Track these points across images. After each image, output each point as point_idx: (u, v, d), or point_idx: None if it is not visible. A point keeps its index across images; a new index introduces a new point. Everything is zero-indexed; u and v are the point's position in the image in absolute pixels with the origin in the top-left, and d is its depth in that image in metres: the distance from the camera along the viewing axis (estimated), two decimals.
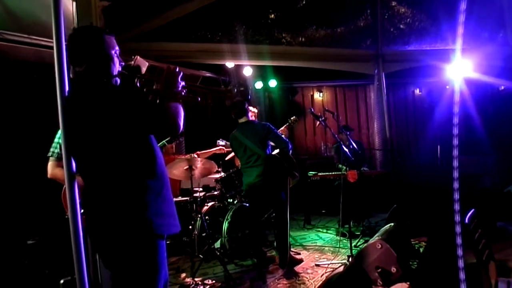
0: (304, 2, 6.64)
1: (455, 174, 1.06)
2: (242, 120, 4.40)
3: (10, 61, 4.18)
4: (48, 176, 3.11)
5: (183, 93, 1.97)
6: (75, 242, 1.94)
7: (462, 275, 1.06)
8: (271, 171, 4.24)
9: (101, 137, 1.77)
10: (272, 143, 4.43)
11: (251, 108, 4.69)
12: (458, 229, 1.07)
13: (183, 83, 1.96)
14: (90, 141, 1.80)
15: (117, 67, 1.94)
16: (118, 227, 1.76)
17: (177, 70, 1.94)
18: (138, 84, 2.00)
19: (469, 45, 6.48)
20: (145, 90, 2.00)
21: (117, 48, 1.96)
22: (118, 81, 1.96)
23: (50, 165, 3.10)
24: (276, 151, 4.46)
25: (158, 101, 1.90)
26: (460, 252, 1.08)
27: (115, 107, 1.74)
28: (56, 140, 3.12)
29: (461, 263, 1.07)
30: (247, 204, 4.76)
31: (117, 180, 1.79)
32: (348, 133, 5.63)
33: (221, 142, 5.04)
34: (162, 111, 1.79)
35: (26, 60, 4.25)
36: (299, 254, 4.73)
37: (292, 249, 4.59)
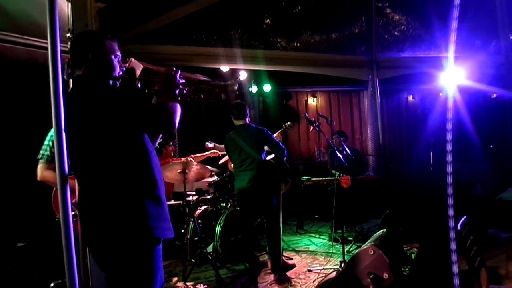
0: (299, 8, 6.67)
1: (449, 179, 1.06)
2: (240, 122, 4.37)
3: (3, 61, 4.15)
4: (38, 178, 3.08)
5: (184, 91, 2.02)
6: (66, 245, 1.92)
7: (456, 281, 1.07)
8: (265, 176, 4.23)
9: (97, 140, 1.77)
10: (267, 148, 4.42)
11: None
12: (452, 234, 1.08)
13: (182, 81, 1.99)
14: (87, 143, 1.80)
15: (117, 72, 1.96)
16: (114, 230, 1.76)
17: (175, 69, 1.98)
18: (139, 85, 2.01)
19: (462, 53, 6.55)
20: (146, 91, 2.02)
21: (118, 53, 1.98)
22: (118, 84, 1.97)
23: (40, 167, 3.08)
24: (270, 156, 4.46)
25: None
26: (454, 257, 1.08)
27: (111, 106, 1.75)
28: (46, 142, 3.10)
29: (455, 269, 1.07)
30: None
31: (114, 183, 1.79)
32: (342, 138, 5.64)
33: (209, 145, 5.01)
34: (158, 107, 1.82)
35: (19, 60, 4.22)
36: (291, 259, 4.72)
37: (284, 254, 4.58)
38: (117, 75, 1.96)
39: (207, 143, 5.04)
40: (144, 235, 1.76)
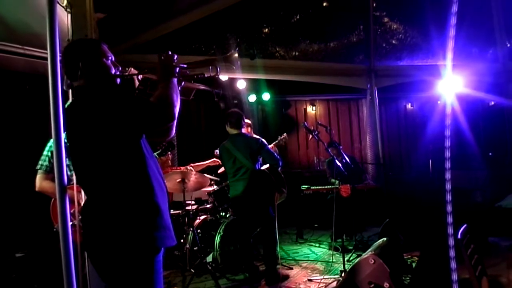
0: (298, 17, 6.72)
1: (448, 186, 1.06)
2: (235, 131, 4.34)
3: (3, 71, 4.16)
4: (36, 189, 3.08)
5: (187, 72, 1.96)
6: (65, 256, 1.90)
7: None
8: (258, 186, 4.19)
9: (95, 150, 1.77)
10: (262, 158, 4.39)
11: (247, 121, 4.67)
12: (451, 241, 1.07)
13: (183, 65, 1.94)
14: (86, 154, 1.80)
15: (112, 72, 1.94)
16: (111, 239, 1.75)
17: (170, 53, 1.92)
18: (139, 78, 1.97)
19: (460, 61, 6.58)
20: (149, 83, 1.96)
21: (108, 54, 1.96)
22: (118, 81, 1.96)
23: (39, 178, 3.08)
24: (265, 166, 4.43)
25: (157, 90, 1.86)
26: (453, 265, 1.08)
27: (107, 114, 1.73)
28: (44, 153, 3.10)
29: (454, 276, 1.07)
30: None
31: (110, 192, 1.78)
32: (341, 147, 5.64)
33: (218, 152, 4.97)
34: (154, 103, 1.76)
35: (19, 70, 4.24)
36: (291, 268, 4.70)
37: (284, 264, 4.55)
38: (113, 76, 1.94)
39: (216, 151, 4.99)
40: (141, 245, 1.75)
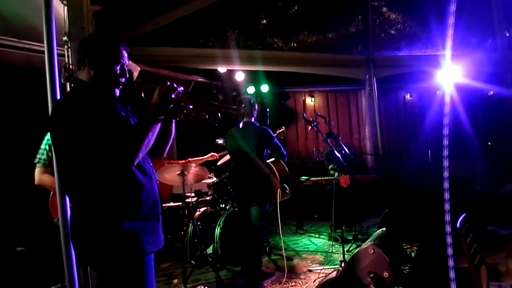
0: (296, 8, 6.69)
1: (445, 174, 1.07)
2: (244, 119, 4.10)
3: (0, 65, 4.15)
4: (35, 182, 3.08)
5: (190, 107, 1.82)
6: (66, 249, 1.91)
7: (452, 274, 1.07)
8: (258, 178, 4.06)
9: (70, 154, 1.69)
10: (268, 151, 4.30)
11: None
12: (448, 228, 1.08)
13: (183, 99, 1.79)
14: (63, 154, 1.74)
15: (113, 78, 1.82)
16: (100, 244, 1.70)
17: (174, 86, 1.75)
18: (143, 95, 1.87)
19: (459, 51, 6.57)
20: (149, 101, 1.82)
21: (122, 60, 1.83)
22: (117, 92, 1.86)
23: (37, 171, 3.07)
24: (270, 160, 4.36)
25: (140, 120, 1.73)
26: (450, 251, 1.08)
27: (79, 123, 1.63)
28: (42, 146, 3.09)
29: (451, 262, 1.07)
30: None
31: (95, 198, 1.71)
32: (340, 138, 5.65)
33: (219, 141, 4.93)
34: (120, 141, 1.63)
35: (16, 64, 4.22)
36: (291, 259, 4.72)
37: (284, 254, 4.56)
38: (112, 81, 1.83)
39: (217, 140, 4.93)
40: (123, 251, 1.70)
